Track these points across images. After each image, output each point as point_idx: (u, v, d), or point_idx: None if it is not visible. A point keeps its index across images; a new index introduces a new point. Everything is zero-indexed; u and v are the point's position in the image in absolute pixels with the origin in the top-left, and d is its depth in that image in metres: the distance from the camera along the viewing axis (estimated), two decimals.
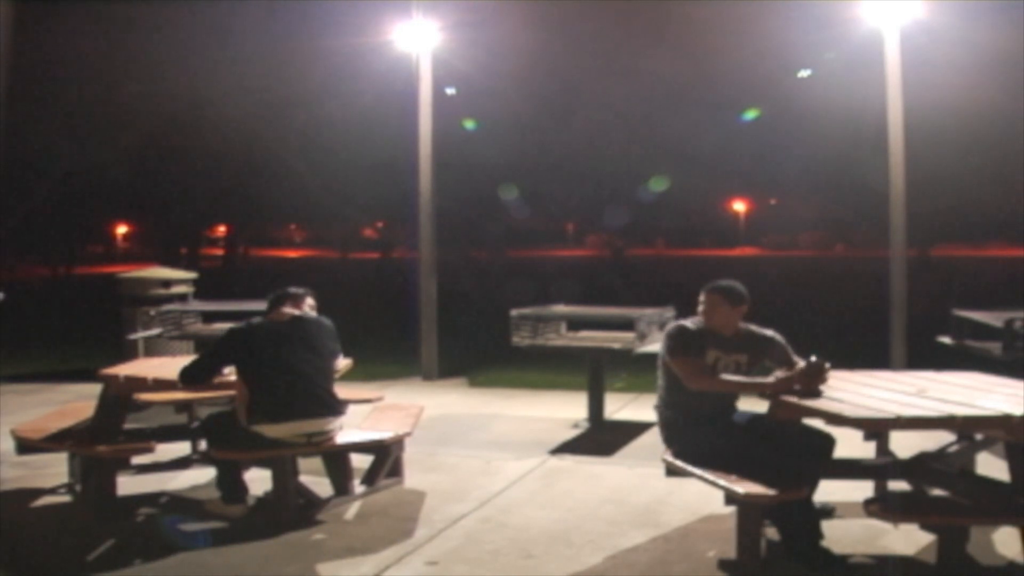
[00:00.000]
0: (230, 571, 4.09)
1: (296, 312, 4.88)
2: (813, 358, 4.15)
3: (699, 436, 4.35)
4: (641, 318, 6.68)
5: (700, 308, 4.51)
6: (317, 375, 4.74)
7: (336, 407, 4.81)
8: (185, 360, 5.03)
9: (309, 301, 5.08)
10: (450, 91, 12.92)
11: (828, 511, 4.58)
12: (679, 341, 4.40)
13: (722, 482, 4.01)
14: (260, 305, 8.00)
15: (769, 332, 4.56)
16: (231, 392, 4.87)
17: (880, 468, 4.57)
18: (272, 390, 4.62)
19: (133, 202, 30.03)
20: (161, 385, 4.94)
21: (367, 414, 5.68)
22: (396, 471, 5.36)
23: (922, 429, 3.92)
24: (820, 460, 4.29)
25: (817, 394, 4.05)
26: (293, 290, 5.03)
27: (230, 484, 4.81)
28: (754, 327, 4.59)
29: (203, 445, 5.52)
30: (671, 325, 4.59)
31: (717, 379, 4.38)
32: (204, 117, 19.46)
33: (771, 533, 4.30)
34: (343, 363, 5.29)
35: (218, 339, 4.85)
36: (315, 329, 4.84)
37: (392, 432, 5.16)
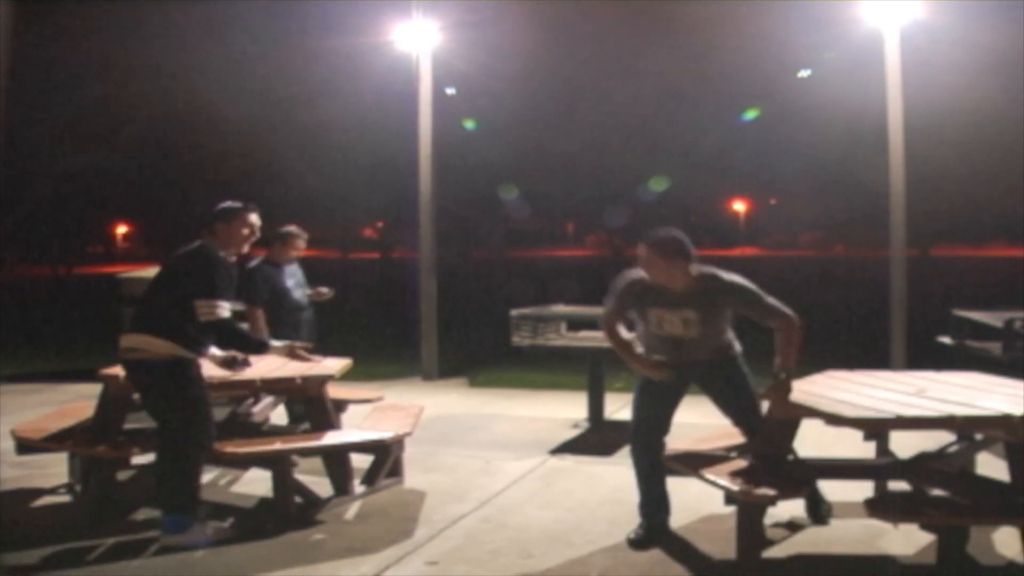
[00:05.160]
0: (230, 571, 4.09)
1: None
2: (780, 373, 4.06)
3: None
4: None
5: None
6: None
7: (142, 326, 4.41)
8: None
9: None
10: (450, 91, 12.91)
11: (822, 513, 4.52)
12: (611, 290, 4.39)
13: (722, 482, 4.02)
14: None
15: (729, 280, 4.20)
16: (230, 392, 4.86)
17: (880, 468, 4.57)
18: None
19: (133, 202, 30.04)
20: None
21: (367, 414, 5.68)
22: (396, 471, 5.36)
23: (922, 429, 3.92)
24: None
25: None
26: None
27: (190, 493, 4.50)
28: (717, 274, 4.23)
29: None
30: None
31: (612, 332, 4.39)
32: (204, 117, 19.46)
33: (771, 533, 4.30)
34: (342, 363, 5.28)
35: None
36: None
37: (392, 432, 5.15)
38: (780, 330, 4.10)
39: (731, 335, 4.41)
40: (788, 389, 4.03)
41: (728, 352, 4.39)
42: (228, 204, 4.54)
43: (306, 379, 4.96)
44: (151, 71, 18.54)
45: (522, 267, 30.32)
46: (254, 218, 4.55)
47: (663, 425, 4.38)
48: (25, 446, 5.14)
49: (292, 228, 6.56)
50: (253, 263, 6.42)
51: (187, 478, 4.36)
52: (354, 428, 5.34)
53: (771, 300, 4.17)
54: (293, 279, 6.51)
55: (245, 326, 8.02)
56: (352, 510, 4.90)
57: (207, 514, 4.60)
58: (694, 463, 4.26)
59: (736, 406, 4.39)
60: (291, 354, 4.64)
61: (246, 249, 4.57)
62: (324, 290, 6.75)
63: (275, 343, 4.62)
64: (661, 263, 4.20)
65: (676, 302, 4.23)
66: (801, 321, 4.13)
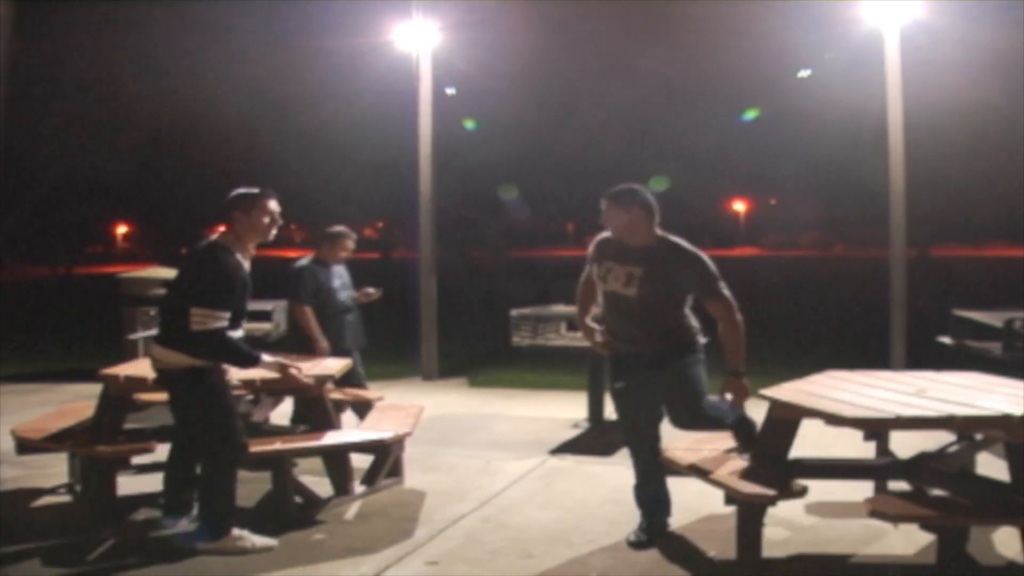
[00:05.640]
0: (230, 571, 4.09)
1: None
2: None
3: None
4: None
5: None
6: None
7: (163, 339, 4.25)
8: None
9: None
10: (450, 91, 12.92)
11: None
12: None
13: (722, 482, 4.02)
14: (259, 305, 7.96)
15: (688, 249, 4.17)
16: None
17: (880, 468, 4.57)
18: None
19: (133, 202, 30.01)
20: None
21: (367, 414, 5.68)
22: (396, 471, 5.37)
23: (922, 429, 3.92)
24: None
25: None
26: None
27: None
28: (679, 242, 4.22)
29: None
30: None
31: (582, 287, 4.50)
32: (204, 117, 19.43)
33: (771, 533, 4.30)
34: (342, 363, 5.28)
35: None
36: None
37: (392, 432, 5.16)
38: (720, 319, 4.10)
39: (692, 323, 4.28)
40: (744, 388, 4.07)
41: (683, 338, 4.23)
42: (244, 191, 4.26)
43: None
44: (151, 71, 18.52)
45: (522, 267, 30.31)
46: (274, 204, 4.27)
47: (648, 425, 4.35)
48: (25, 446, 5.14)
49: (342, 228, 6.44)
50: (302, 262, 6.32)
51: (218, 488, 4.24)
52: (354, 428, 5.35)
53: (722, 286, 4.13)
54: (340, 280, 6.40)
55: (268, 325, 7.98)
56: (352, 510, 4.90)
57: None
58: (694, 463, 4.26)
59: (668, 400, 4.26)
60: (282, 371, 4.38)
61: (271, 237, 4.29)
62: (371, 291, 6.62)
63: (267, 358, 4.29)
64: (619, 213, 4.22)
65: (627, 256, 4.21)
66: (742, 318, 4.11)
